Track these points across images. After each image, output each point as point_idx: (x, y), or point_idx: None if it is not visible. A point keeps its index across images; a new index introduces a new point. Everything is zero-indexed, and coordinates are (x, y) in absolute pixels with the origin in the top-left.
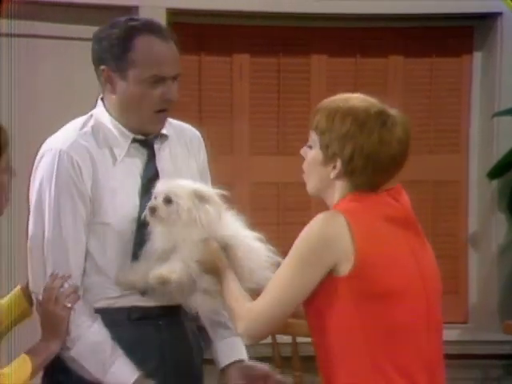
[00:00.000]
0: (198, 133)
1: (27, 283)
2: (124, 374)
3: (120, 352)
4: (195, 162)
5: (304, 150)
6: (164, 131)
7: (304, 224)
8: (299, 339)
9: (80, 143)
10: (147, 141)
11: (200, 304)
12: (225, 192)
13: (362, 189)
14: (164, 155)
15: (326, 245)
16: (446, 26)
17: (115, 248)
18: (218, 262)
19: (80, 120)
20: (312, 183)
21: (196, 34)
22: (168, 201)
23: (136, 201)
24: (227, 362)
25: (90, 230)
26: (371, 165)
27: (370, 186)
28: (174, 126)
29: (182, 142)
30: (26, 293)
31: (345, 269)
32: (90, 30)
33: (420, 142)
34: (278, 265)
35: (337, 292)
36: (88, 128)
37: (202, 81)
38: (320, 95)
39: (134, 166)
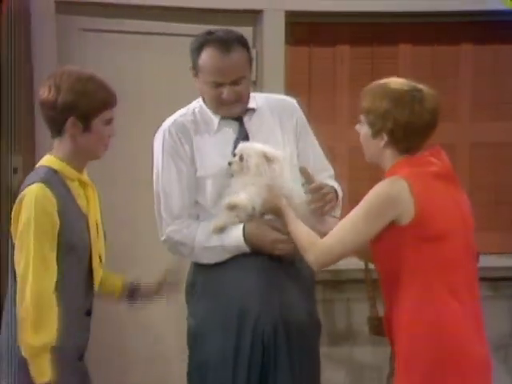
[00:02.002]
0: (291, 101)
1: None
2: (235, 233)
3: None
4: (280, 128)
5: (358, 127)
6: (253, 105)
7: None
8: None
9: (179, 122)
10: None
11: None
12: (286, 155)
13: (408, 153)
14: (252, 124)
15: (390, 204)
16: None
17: (215, 192)
18: (279, 204)
19: (189, 105)
20: (367, 153)
21: (307, 30)
22: (241, 158)
23: (229, 156)
24: None
25: (197, 183)
26: (409, 133)
27: (413, 149)
28: (268, 99)
29: (273, 112)
30: None
31: (406, 220)
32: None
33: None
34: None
35: (399, 237)
36: (189, 110)
37: (312, 66)
38: (406, 77)
39: (228, 134)
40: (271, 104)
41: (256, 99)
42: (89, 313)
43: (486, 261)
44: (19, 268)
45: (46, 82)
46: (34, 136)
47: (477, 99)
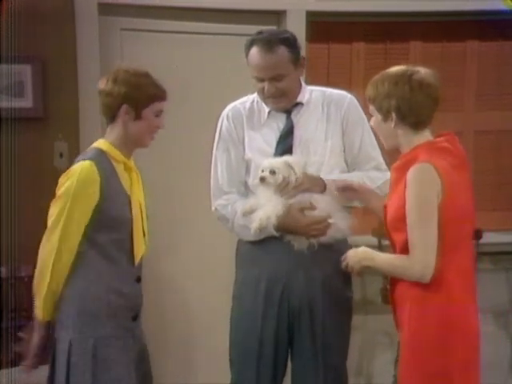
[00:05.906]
0: (344, 96)
1: None
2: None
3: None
4: (327, 121)
5: (371, 120)
6: (302, 99)
7: None
8: None
9: (237, 108)
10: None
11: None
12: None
13: (417, 128)
14: (299, 117)
15: (430, 187)
16: None
17: (256, 173)
18: (365, 259)
19: (253, 94)
20: (384, 140)
21: (326, 28)
22: (272, 172)
23: (273, 144)
24: None
25: (246, 165)
26: (413, 106)
27: (421, 124)
28: (324, 93)
29: (323, 105)
30: None
31: (437, 201)
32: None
33: None
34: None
35: None
36: (249, 98)
37: (330, 62)
38: None
39: (275, 125)
40: (326, 97)
41: (312, 93)
42: (139, 280)
43: (488, 237)
44: (50, 220)
45: (106, 75)
46: (78, 124)
47: (480, 91)
